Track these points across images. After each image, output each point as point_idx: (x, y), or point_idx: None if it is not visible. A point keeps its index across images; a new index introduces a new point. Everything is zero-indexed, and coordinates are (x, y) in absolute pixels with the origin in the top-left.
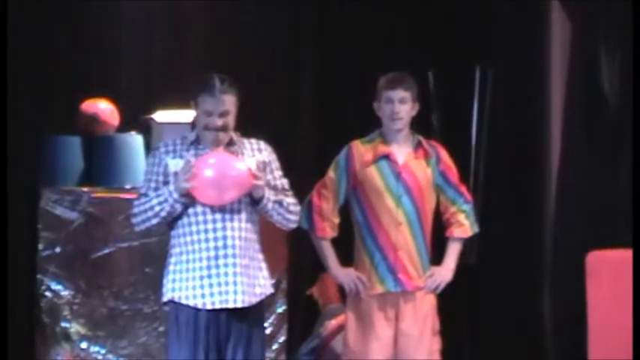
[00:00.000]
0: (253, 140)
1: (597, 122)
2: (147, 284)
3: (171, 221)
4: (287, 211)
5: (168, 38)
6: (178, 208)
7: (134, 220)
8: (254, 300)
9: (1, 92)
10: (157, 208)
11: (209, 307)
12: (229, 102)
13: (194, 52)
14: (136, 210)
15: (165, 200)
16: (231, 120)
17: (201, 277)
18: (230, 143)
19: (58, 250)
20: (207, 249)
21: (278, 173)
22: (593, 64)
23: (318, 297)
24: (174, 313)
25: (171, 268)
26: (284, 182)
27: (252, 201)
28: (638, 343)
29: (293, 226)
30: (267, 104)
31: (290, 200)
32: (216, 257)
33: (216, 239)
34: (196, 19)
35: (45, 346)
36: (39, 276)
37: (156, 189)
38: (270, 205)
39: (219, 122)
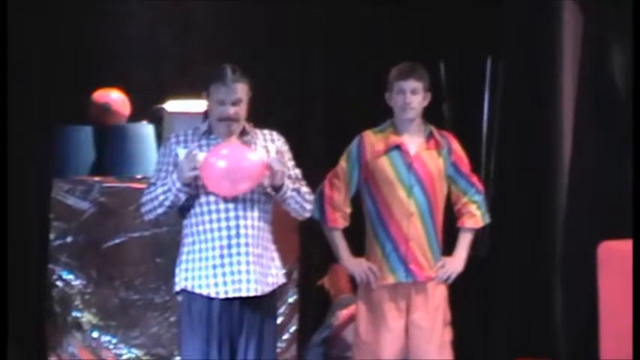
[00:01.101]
0: (266, 131)
1: (608, 114)
2: (158, 274)
3: (184, 210)
4: (304, 199)
5: (179, 29)
6: (182, 197)
7: (142, 210)
8: (267, 289)
9: (12, 83)
10: (162, 197)
11: (222, 296)
12: (241, 90)
13: (205, 44)
14: (143, 199)
15: (169, 190)
16: (243, 109)
17: (214, 267)
18: (243, 133)
19: (69, 239)
20: (220, 238)
21: (291, 163)
22: (604, 55)
23: (330, 287)
24: (187, 303)
25: (183, 257)
26: (297, 172)
27: (273, 189)
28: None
29: (308, 215)
30: (277, 99)
31: (305, 189)
32: (229, 246)
33: (229, 228)
34: (203, 14)
35: (56, 336)
36: (50, 266)
37: (165, 179)
38: (289, 193)
39: (232, 111)
